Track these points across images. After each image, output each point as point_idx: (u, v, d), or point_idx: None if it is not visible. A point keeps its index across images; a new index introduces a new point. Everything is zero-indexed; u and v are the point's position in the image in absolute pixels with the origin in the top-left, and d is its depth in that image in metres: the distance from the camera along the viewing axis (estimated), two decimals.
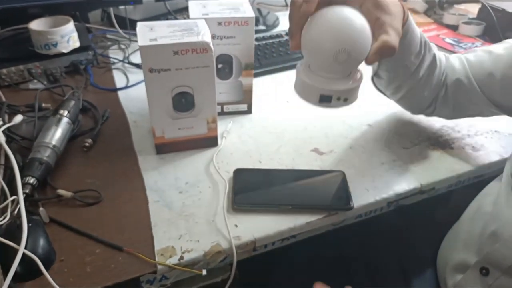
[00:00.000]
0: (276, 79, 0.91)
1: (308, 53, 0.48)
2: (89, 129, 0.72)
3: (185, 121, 0.64)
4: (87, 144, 0.67)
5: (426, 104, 0.67)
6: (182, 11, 1.17)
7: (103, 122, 0.73)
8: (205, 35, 0.58)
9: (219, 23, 0.66)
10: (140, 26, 0.60)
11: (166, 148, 0.66)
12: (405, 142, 0.71)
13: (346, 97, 0.49)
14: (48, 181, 0.59)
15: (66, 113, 0.67)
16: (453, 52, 1.02)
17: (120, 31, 1.04)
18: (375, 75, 0.65)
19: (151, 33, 0.58)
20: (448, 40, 1.08)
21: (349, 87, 0.49)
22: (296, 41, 0.47)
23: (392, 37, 0.45)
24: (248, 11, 0.68)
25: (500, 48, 0.61)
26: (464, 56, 0.65)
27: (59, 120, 0.65)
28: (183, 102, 0.62)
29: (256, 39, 1.00)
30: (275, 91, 0.86)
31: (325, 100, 0.50)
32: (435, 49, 0.63)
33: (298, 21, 0.46)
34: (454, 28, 1.14)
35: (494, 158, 0.69)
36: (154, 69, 0.57)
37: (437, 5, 1.24)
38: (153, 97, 0.60)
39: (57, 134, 0.63)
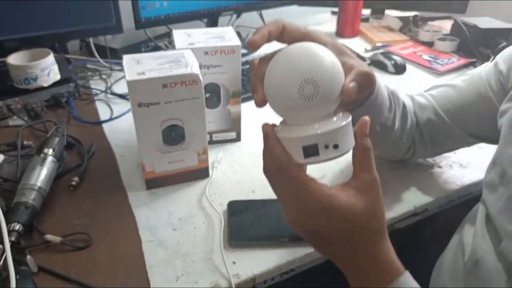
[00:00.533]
0: None
1: (274, 101, 0.40)
2: (75, 166, 0.69)
3: (176, 154, 0.63)
4: (73, 183, 0.65)
5: (404, 150, 0.65)
6: (163, 37, 1.17)
7: (89, 158, 0.71)
8: (194, 67, 0.58)
9: (206, 53, 0.65)
10: (126, 59, 0.59)
11: (157, 182, 0.65)
12: (395, 163, 0.72)
13: (335, 143, 0.38)
14: (34, 225, 0.57)
15: (50, 151, 0.64)
16: (431, 68, 1.05)
17: (101, 60, 1.02)
18: None
19: (138, 66, 0.57)
20: (425, 57, 1.11)
21: (332, 126, 0.38)
22: (259, 94, 0.41)
23: (359, 64, 0.43)
24: (233, 39, 0.67)
25: (462, 80, 0.62)
26: (427, 94, 0.65)
27: (44, 160, 0.63)
28: (173, 135, 0.61)
29: (245, 62, 1.00)
30: (263, 116, 0.85)
31: (311, 152, 0.39)
32: (400, 95, 0.61)
33: (256, 73, 0.41)
34: (429, 44, 1.18)
35: (482, 175, 0.70)
36: (143, 103, 0.56)
37: (411, 23, 1.27)
38: (143, 131, 0.59)
39: (42, 175, 0.61)
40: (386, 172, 0.69)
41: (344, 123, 0.38)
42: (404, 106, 0.60)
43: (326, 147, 0.38)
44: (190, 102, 0.58)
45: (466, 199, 0.71)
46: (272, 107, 0.41)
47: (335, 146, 0.38)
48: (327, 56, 0.38)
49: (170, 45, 1.13)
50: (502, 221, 0.49)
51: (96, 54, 1.02)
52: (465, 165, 0.72)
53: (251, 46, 0.42)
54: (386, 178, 0.68)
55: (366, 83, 0.44)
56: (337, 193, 0.38)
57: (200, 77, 0.57)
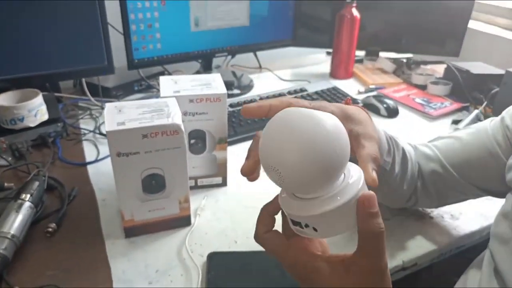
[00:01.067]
0: None
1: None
2: (54, 210, 0.68)
3: (156, 203, 0.61)
4: (50, 230, 0.63)
5: (405, 199, 0.64)
6: (156, 76, 1.18)
7: (69, 202, 0.69)
8: (176, 116, 0.57)
9: (191, 100, 0.65)
10: (108, 108, 0.58)
11: (136, 231, 0.63)
12: (385, 212, 0.70)
13: (313, 226, 0.35)
14: (4, 276, 0.54)
15: (28, 197, 0.63)
16: (424, 112, 1.05)
17: (92, 99, 1.02)
18: None
19: (119, 115, 0.56)
20: (418, 100, 1.11)
21: (308, 213, 0.35)
22: (245, 164, 0.41)
23: (370, 148, 0.42)
24: (220, 87, 0.67)
25: (468, 134, 0.61)
26: (432, 144, 0.65)
27: (20, 206, 0.61)
28: (153, 184, 0.59)
29: (230, 105, 1.00)
30: None
31: (296, 224, 0.37)
32: (399, 140, 0.60)
33: (254, 141, 0.40)
34: (422, 87, 1.18)
35: (474, 226, 0.68)
36: (122, 153, 0.55)
37: (405, 66, 1.28)
38: (121, 180, 0.58)
39: (16, 222, 0.59)
40: None
41: (323, 209, 0.34)
42: (404, 152, 0.59)
43: (307, 226, 0.36)
44: (171, 152, 0.57)
45: (459, 251, 0.68)
46: None
47: (315, 229, 0.35)
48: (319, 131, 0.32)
49: None
50: None
51: (88, 93, 1.02)
52: (457, 216, 0.70)
53: (245, 113, 0.42)
54: None
55: (378, 166, 0.41)
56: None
57: (182, 127, 0.56)
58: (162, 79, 0.69)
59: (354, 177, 0.36)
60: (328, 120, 0.33)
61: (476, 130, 0.61)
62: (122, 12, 0.94)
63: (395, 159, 0.56)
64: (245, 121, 0.94)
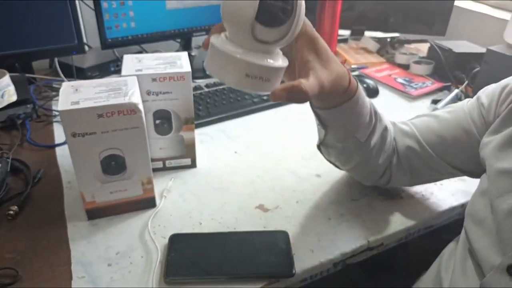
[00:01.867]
0: (225, 127, 0.88)
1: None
2: (17, 193, 0.66)
3: (117, 184, 0.60)
4: (11, 212, 0.62)
5: (379, 174, 0.64)
6: None
7: (34, 185, 0.68)
8: (134, 95, 0.55)
9: (154, 79, 0.63)
10: (64, 87, 0.57)
11: (99, 213, 0.62)
12: (354, 193, 0.69)
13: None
14: None
15: None
16: (404, 92, 1.03)
17: (65, 79, 1.00)
18: (322, 144, 0.61)
19: (75, 95, 0.55)
20: (399, 80, 1.09)
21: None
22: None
23: (309, 83, 0.42)
24: (185, 65, 0.65)
25: (445, 112, 0.61)
26: (410, 122, 0.64)
27: None
28: (113, 165, 0.58)
29: (207, 86, 0.98)
30: (223, 141, 0.83)
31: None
32: (385, 119, 0.61)
33: None
34: (405, 67, 1.16)
35: (444, 206, 0.67)
36: (77, 133, 0.54)
37: (389, 45, 1.26)
38: (79, 161, 0.56)
39: None
40: (345, 202, 0.67)
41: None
42: (385, 129, 0.60)
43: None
44: (130, 132, 0.56)
45: (433, 230, 0.68)
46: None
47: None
48: None
49: None
50: (487, 254, 0.47)
51: (61, 74, 1.00)
52: (428, 196, 0.69)
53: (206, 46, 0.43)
54: (342, 209, 0.65)
55: (295, 98, 0.42)
56: None
57: (140, 106, 0.55)
58: (126, 58, 0.67)
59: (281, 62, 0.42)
60: None
61: (453, 109, 0.61)
62: None
63: (373, 135, 0.57)
64: (220, 102, 0.92)
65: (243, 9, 0.37)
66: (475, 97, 0.59)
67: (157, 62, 0.66)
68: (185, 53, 0.69)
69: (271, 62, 0.40)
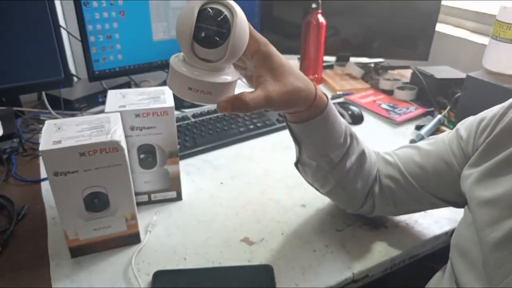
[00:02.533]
0: (212, 157, 0.89)
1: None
2: (1, 231, 0.66)
3: (101, 221, 0.60)
4: None
5: (359, 201, 0.65)
6: (123, 87, 1.16)
7: (17, 222, 0.68)
8: (116, 133, 0.56)
9: (137, 115, 0.64)
10: (47, 125, 0.57)
11: (82, 250, 0.61)
12: (338, 223, 0.69)
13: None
14: None
15: None
16: (388, 118, 1.05)
17: (53, 112, 1.01)
18: (299, 162, 0.63)
19: (57, 133, 0.55)
20: (384, 105, 1.11)
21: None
22: None
23: (253, 95, 0.45)
24: (168, 100, 0.66)
25: (426, 144, 0.63)
26: (393, 152, 0.66)
27: None
28: (96, 202, 0.58)
29: (193, 116, 1.00)
30: (209, 172, 0.83)
31: None
32: (364, 145, 0.63)
33: None
34: (389, 93, 1.18)
35: (428, 235, 0.68)
36: (59, 172, 0.54)
37: (373, 71, 1.29)
38: (62, 200, 0.56)
39: None
40: (330, 233, 0.67)
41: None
42: (363, 153, 0.61)
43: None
44: (112, 169, 0.56)
45: (419, 259, 0.68)
46: None
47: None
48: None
49: None
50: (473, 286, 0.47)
51: (48, 107, 1.00)
52: (412, 224, 0.70)
53: None
54: (326, 240, 0.65)
55: (237, 108, 0.45)
56: None
57: (123, 143, 0.55)
58: (110, 93, 0.68)
59: (229, 77, 0.46)
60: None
61: (435, 141, 0.63)
62: (79, 23, 0.92)
63: (348, 156, 0.59)
64: (206, 132, 0.93)
65: (182, 30, 0.42)
66: (454, 129, 0.60)
67: (141, 98, 0.67)
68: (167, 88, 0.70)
69: (212, 77, 0.44)
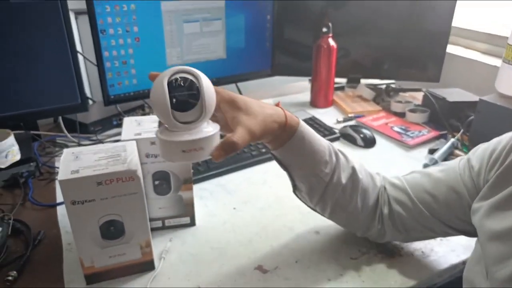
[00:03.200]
0: (224, 181, 0.89)
1: None
2: (17, 256, 0.67)
3: (116, 249, 0.60)
4: (10, 278, 0.62)
5: (364, 223, 0.64)
6: (136, 110, 1.18)
7: (33, 248, 0.68)
8: (132, 162, 0.57)
9: (152, 143, 0.65)
10: (65, 154, 0.58)
11: (97, 277, 0.62)
12: (353, 251, 0.69)
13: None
14: None
15: None
16: (401, 141, 1.04)
17: (69, 135, 1.02)
18: (295, 189, 0.64)
19: (75, 162, 0.56)
20: (396, 128, 1.11)
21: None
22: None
23: (236, 135, 0.49)
24: None
25: (437, 171, 0.62)
26: (402, 177, 0.66)
27: None
28: (112, 230, 0.59)
29: None
30: (222, 196, 0.84)
31: None
32: (354, 162, 0.63)
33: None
34: (401, 115, 1.18)
35: (444, 264, 0.67)
36: (77, 201, 0.55)
37: (384, 93, 1.29)
38: (78, 228, 0.57)
39: None
40: (344, 261, 0.66)
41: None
42: (354, 170, 0.62)
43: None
44: (128, 197, 0.57)
45: None
46: None
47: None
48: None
49: None
50: None
51: (64, 130, 1.02)
52: (428, 253, 0.69)
53: (151, 77, 0.52)
54: (341, 269, 0.65)
55: (229, 150, 0.49)
56: None
57: (139, 172, 0.56)
58: (126, 121, 0.69)
59: (211, 130, 0.50)
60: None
61: (446, 168, 0.62)
62: (96, 50, 0.95)
63: (338, 174, 0.60)
64: None
65: (160, 104, 0.47)
66: (466, 157, 0.60)
67: (156, 125, 0.68)
68: None
69: (198, 134, 0.49)
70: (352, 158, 0.64)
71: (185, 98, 0.47)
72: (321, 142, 0.60)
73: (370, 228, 0.65)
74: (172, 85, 0.47)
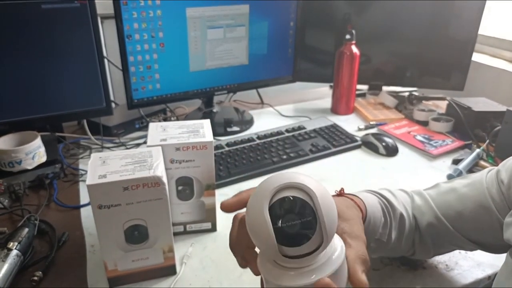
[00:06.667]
0: (245, 186, 0.88)
1: None
2: (42, 257, 0.68)
3: (139, 253, 0.61)
4: (35, 278, 0.63)
5: (404, 252, 0.63)
6: (158, 113, 1.19)
7: (58, 248, 0.70)
8: (158, 168, 0.57)
9: (177, 149, 0.66)
10: (93, 159, 0.59)
11: (120, 281, 0.62)
12: (375, 262, 0.68)
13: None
14: None
15: (16, 245, 0.64)
16: (424, 151, 1.03)
17: (92, 138, 1.04)
18: None
19: (102, 167, 0.57)
20: (419, 137, 1.09)
21: (282, 283, 0.36)
22: (231, 201, 0.46)
23: (358, 248, 0.42)
24: (207, 135, 0.68)
25: (463, 185, 0.60)
26: (427, 193, 0.63)
27: (7, 255, 0.62)
28: (136, 235, 0.59)
29: (227, 144, 1.01)
30: None
31: None
32: (396, 204, 0.60)
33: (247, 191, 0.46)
34: (424, 124, 1.16)
35: (469, 279, 0.65)
36: (103, 205, 0.56)
37: (407, 101, 1.27)
38: (104, 232, 0.58)
39: (1, 272, 0.59)
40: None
41: (300, 283, 0.35)
42: (401, 216, 0.59)
43: None
44: (153, 203, 0.58)
45: None
46: None
47: None
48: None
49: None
50: None
51: (88, 132, 1.04)
52: (452, 266, 0.67)
53: (224, 208, 0.46)
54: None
55: (368, 268, 0.41)
56: None
57: (164, 178, 0.57)
58: (151, 126, 0.70)
59: (336, 253, 0.37)
60: None
61: (472, 181, 0.60)
62: (122, 55, 0.97)
63: (392, 229, 0.57)
64: (240, 162, 0.94)
65: (259, 237, 0.35)
66: (494, 170, 0.58)
67: (181, 131, 0.68)
68: (208, 121, 0.72)
69: (325, 270, 0.36)
70: (395, 201, 0.59)
71: (296, 229, 0.34)
72: (375, 208, 0.55)
73: (405, 253, 0.64)
74: (276, 212, 0.34)
